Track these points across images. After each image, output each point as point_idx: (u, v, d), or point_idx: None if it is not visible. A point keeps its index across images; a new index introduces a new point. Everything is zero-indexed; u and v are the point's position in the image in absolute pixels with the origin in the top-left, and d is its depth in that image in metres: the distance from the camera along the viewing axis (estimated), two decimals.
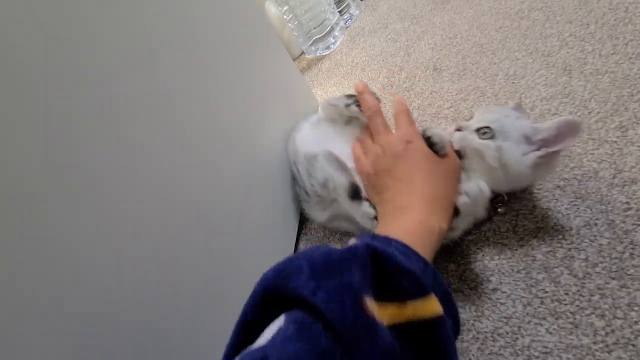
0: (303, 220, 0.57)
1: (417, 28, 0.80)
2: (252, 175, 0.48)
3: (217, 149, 0.42)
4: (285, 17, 0.94)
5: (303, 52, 1.03)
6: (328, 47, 0.96)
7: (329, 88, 0.82)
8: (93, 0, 0.31)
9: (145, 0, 0.37)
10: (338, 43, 0.96)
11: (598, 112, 0.43)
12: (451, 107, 0.58)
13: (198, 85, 0.42)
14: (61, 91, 0.26)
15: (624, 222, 0.34)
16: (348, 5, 1.02)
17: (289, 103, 0.64)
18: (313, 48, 0.98)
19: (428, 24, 0.79)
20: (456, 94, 0.59)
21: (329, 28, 0.94)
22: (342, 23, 0.98)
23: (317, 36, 0.94)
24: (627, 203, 0.35)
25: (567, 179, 0.40)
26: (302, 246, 0.55)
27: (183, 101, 0.38)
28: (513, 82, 0.54)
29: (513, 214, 0.41)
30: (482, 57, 0.62)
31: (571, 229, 0.36)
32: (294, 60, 1.04)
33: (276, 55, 0.63)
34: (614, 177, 0.38)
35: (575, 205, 0.38)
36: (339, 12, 0.99)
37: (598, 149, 0.41)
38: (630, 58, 0.46)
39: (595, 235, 0.35)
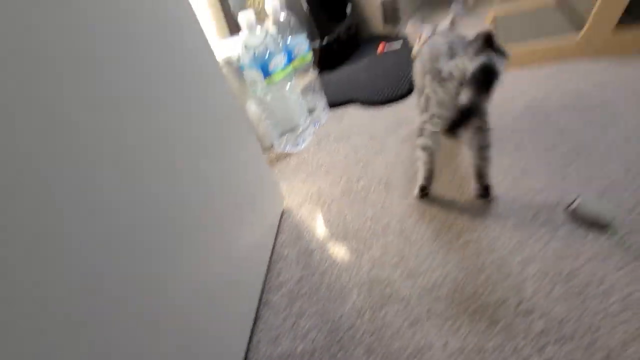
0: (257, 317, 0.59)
1: (374, 145, 0.96)
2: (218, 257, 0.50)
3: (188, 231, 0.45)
4: (263, 115, 1.06)
5: (272, 145, 1.14)
6: (297, 145, 1.08)
7: (296, 184, 0.91)
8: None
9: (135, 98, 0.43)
10: (306, 143, 1.09)
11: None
12: (398, 221, 0.68)
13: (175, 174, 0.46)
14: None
15: None
16: (318, 111, 1.18)
17: (256, 196, 0.70)
18: (284, 144, 1.09)
19: (383, 144, 0.95)
20: (403, 211, 0.70)
21: (300, 129, 1.07)
22: (311, 126, 1.13)
23: (289, 134, 1.07)
24: None
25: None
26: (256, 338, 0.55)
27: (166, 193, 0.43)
28: (446, 209, 0.67)
29: None
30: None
31: None
32: (265, 151, 1.14)
33: (251, 149, 0.70)
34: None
35: None
36: (310, 113, 1.15)
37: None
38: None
39: None
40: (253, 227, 0.65)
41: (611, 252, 0.51)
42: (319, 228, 0.74)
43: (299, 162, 1.01)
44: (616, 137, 0.69)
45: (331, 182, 0.87)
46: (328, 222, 0.75)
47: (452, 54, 0.59)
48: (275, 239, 0.75)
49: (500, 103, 0.92)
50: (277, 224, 0.78)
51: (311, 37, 1.51)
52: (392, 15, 1.71)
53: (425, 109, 0.65)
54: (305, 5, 1.47)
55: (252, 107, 1.07)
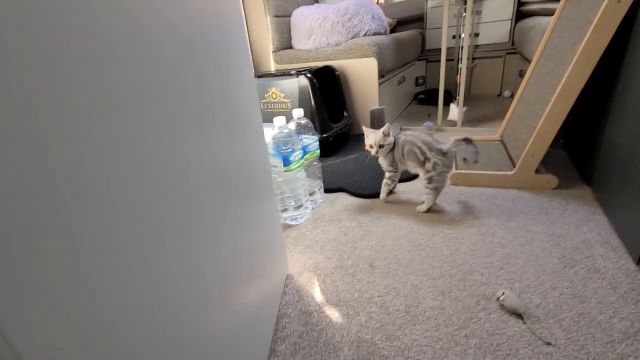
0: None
1: (361, 230, 1.20)
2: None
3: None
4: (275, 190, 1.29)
5: None
6: (296, 219, 1.30)
7: (295, 254, 1.11)
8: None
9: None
10: (304, 219, 1.32)
11: (456, 323, 0.78)
12: (380, 296, 0.89)
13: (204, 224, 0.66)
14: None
15: None
16: (315, 193, 1.44)
17: (271, 256, 0.89)
18: (284, 215, 1.31)
19: (368, 230, 1.20)
20: (383, 288, 0.92)
21: (299, 204, 1.31)
22: (309, 205, 1.37)
23: (290, 207, 1.29)
24: None
25: None
26: None
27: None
28: (415, 291, 0.89)
29: None
30: (398, 267, 0.99)
31: None
32: None
33: (273, 212, 0.91)
34: None
35: None
36: (310, 195, 1.40)
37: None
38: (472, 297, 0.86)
39: None
40: (265, 282, 0.83)
41: (523, 334, 0.74)
42: (317, 294, 0.93)
43: (298, 235, 1.22)
44: (534, 251, 0.99)
45: (325, 257, 1.08)
46: (324, 290, 0.94)
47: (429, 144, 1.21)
48: (281, 298, 0.92)
49: (457, 215, 1.23)
50: (282, 285, 0.96)
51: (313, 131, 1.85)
52: (377, 121, 2.13)
53: (393, 168, 1.30)
54: (314, 105, 1.84)
55: None
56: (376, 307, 0.86)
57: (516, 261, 0.96)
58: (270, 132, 1.22)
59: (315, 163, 1.43)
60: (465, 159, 1.23)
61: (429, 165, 1.20)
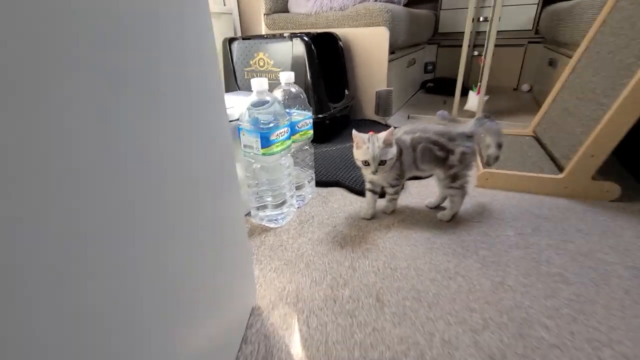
0: None
1: (362, 242, 0.88)
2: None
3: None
4: (246, 181, 0.95)
5: (249, 213, 1.01)
6: (275, 221, 0.97)
7: (270, 272, 0.78)
8: None
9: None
10: (287, 220, 0.98)
11: None
12: (392, 358, 0.57)
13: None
14: None
15: None
16: (304, 187, 1.10)
17: (230, 280, 0.56)
18: (261, 214, 0.97)
19: (372, 244, 0.87)
20: (397, 343, 0.60)
21: (281, 200, 0.97)
22: (295, 202, 1.04)
23: (270, 208, 0.96)
24: None
25: None
26: None
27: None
28: (449, 352, 0.58)
29: None
30: (419, 306, 0.67)
31: None
32: None
33: (236, 223, 0.58)
34: None
35: None
36: (296, 190, 1.06)
37: None
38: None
39: None
40: (215, 324, 0.50)
41: None
42: (295, 347, 0.60)
43: (277, 243, 0.89)
44: (616, 293, 0.68)
45: (312, 280, 0.75)
46: (306, 340, 0.61)
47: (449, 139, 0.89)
48: (239, 350, 0.59)
49: (491, 228, 0.91)
50: (244, 326, 0.63)
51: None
52: (384, 106, 1.79)
53: (399, 180, 0.94)
54: (309, 79, 1.48)
55: (238, 170, 0.96)
56: None
57: (594, 308, 0.65)
58: (245, 102, 0.87)
59: (306, 148, 1.09)
60: (488, 146, 0.92)
61: (453, 159, 0.88)
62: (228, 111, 0.88)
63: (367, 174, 0.89)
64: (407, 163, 0.90)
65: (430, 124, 0.91)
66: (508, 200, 1.05)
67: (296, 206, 1.05)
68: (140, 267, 0.33)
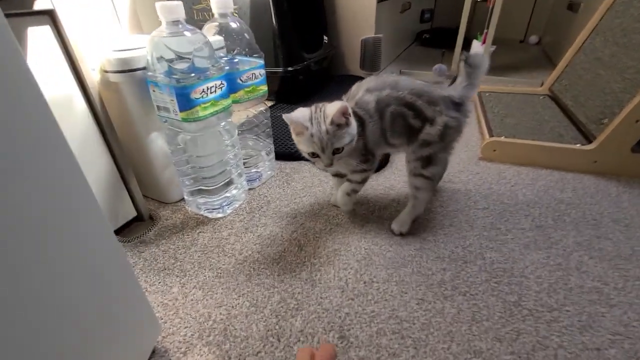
0: None
1: (330, 239, 0.65)
2: None
3: None
4: (172, 157, 0.69)
5: (183, 199, 0.77)
6: (219, 209, 0.73)
7: (192, 290, 0.55)
8: None
9: None
10: (233, 208, 0.75)
11: None
12: None
13: None
14: None
15: None
16: (259, 159, 0.85)
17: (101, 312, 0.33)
18: (199, 200, 0.73)
19: (342, 243, 0.64)
20: None
21: (225, 181, 0.72)
22: (244, 182, 0.79)
23: (206, 188, 0.71)
24: None
25: None
26: None
27: None
28: None
29: None
30: (401, 348, 0.46)
31: None
32: (168, 204, 0.76)
33: (92, 222, 0.35)
34: None
35: None
36: (246, 166, 0.81)
37: None
38: None
39: None
40: None
41: None
42: None
43: (213, 243, 0.65)
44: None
45: (252, 302, 0.53)
46: None
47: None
48: None
49: (499, 217, 0.68)
50: None
51: (275, 61, 1.21)
52: (371, 58, 1.49)
53: (368, 162, 0.63)
54: (274, 22, 1.17)
55: (159, 142, 0.70)
56: None
57: None
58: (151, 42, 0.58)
59: (262, 109, 0.82)
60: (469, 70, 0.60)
61: (431, 132, 0.58)
62: (128, 55, 0.59)
63: (320, 167, 0.60)
64: (373, 137, 0.60)
65: (403, 78, 0.61)
66: (520, 178, 0.82)
67: (247, 187, 0.81)
68: None
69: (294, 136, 0.58)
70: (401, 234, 0.65)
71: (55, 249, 0.30)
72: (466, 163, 0.89)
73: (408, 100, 0.58)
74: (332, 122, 0.53)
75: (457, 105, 0.59)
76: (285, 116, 0.55)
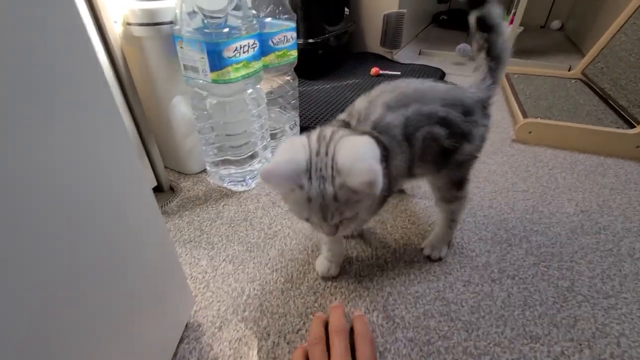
0: None
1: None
2: None
3: None
4: (197, 124, 0.65)
5: (205, 170, 0.73)
6: (242, 182, 0.69)
7: (221, 264, 0.52)
8: None
9: None
10: (257, 182, 0.70)
11: None
12: None
13: None
14: None
15: None
16: (284, 133, 0.80)
17: (141, 287, 0.30)
18: (222, 172, 0.69)
19: (376, 221, 0.61)
20: None
21: (250, 153, 0.68)
22: (270, 154, 0.75)
23: (235, 164, 0.67)
24: None
25: None
26: None
27: None
28: None
29: None
30: (452, 332, 0.43)
31: None
32: (189, 175, 0.72)
33: (144, 198, 0.31)
34: None
35: None
36: (273, 138, 0.77)
37: None
38: None
39: None
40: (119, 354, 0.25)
41: None
42: None
43: (239, 215, 0.62)
44: None
45: (287, 278, 0.50)
46: None
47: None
48: None
49: (541, 201, 0.65)
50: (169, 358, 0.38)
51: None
52: (392, 36, 1.42)
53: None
54: None
55: (181, 108, 0.65)
56: None
57: None
58: None
59: (288, 78, 0.77)
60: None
61: (470, 149, 0.45)
62: (154, 6, 0.54)
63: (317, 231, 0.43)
64: (397, 172, 0.42)
65: (426, 84, 0.45)
66: (558, 162, 0.78)
67: None
68: None
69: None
70: (440, 259, 0.53)
71: (97, 207, 0.26)
72: (499, 145, 0.85)
73: (442, 115, 0.42)
74: (347, 186, 0.33)
75: (485, 108, 0.46)
76: (262, 171, 0.32)
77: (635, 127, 0.78)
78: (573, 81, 1.12)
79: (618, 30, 1.04)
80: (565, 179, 0.72)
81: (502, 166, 0.76)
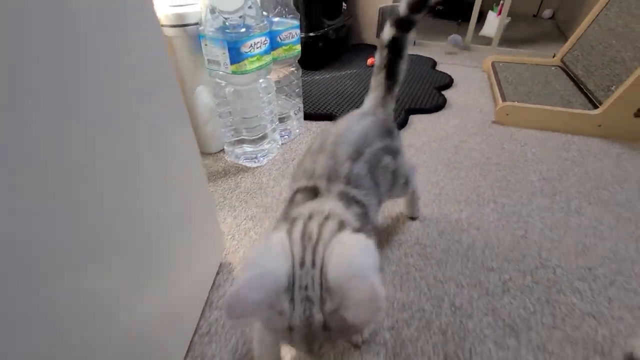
0: None
1: None
2: None
3: None
4: (217, 109, 0.76)
5: (223, 150, 0.84)
6: (255, 159, 0.81)
7: (243, 222, 0.64)
8: None
9: None
10: (267, 159, 0.82)
11: None
12: (392, 328, 0.46)
13: None
14: None
15: None
16: (289, 118, 0.92)
17: (182, 236, 0.42)
18: (237, 151, 0.81)
19: None
20: (399, 310, 0.48)
21: (261, 134, 0.80)
22: (277, 136, 0.86)
23: (248, 143, 0.79)
24: None
25: None
26: None
27: None
28: (461, 321, 0.47)
29: None
30: (425, 264, 0.55)
31: None
32: (209, 154, 0.84)
33: (188, 159, 0.43)
34: None
35: None
36: (280, 122, 0.88)
37: None
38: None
39: None
40: (165, 289, 0.37)
41: None
42: None
43: (255, 186, 0.74)
44: None
45: None
46: None
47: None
48: (200, 316, 0.47)
49: (510, 172, 0.76)
50: (208, 287, 0.50)
51: None
52: None
53: None
54: None
55: (204, 96, 0.76)
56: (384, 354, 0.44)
57: (635, 269, 0.54)
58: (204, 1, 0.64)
59: (293, 69, 0.88)
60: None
61: (401, 159, 0.50)
62: (184, 10, 0.65)
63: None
64: (374, 216, 0.42)
65: (360, 121, 0.46)
66: (530, 140, 0.89)
67: (280, 142, 0.88)
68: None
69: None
70: (417, 217, 0.64)
71: (168, 165, 0.38)
72: (480, 126, 0.96)
73: (383, 146, 0.44)
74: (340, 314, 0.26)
75: (393, 122, 0.51)
76: (228, 300, 0.24)
77: (598, 108, 0.89)
78: (553, 68, 1.22)
79: (592, 21, 1.14)
80: (535, 154, 0.83)
81: (481, 144, 0.87)
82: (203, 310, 0.48)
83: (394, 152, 0.47)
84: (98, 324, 0.27)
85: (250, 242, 0.59)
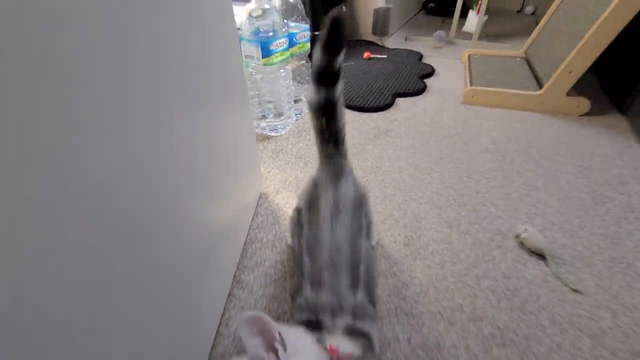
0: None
1: (352, 147, 1.00)
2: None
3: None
4: (250, 91, 1.02)
5: None
6: (276, 129, 1.07)
7: (272, 170, 0.91)
8: None
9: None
10: (286, 130, 1.09)
11: (465, 261, 0.64)
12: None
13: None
14: None
15: None
16: (301, 100, 1.18)
17: (239, 169, 0.69)
18: (262, 124, 1.07)
19: (362, 149, 0.99)
20: (378, 216, 0.75)
21: (283, 116, 1.06)
22: (293, 114, 1.13)
23: (270, 118, 1.05)
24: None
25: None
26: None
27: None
28: (417, 221, 0.73)
29: None
30: (397, 192, 0.82)
31: None
32: None
33: (245, 119, 0.68)
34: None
35: None
36: (295, 103, 1.14)
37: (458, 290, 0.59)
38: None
39: None
40: (233, 201, 0.64)
41: (545, 278, 0.61)
42: None
43: (277, 148, 1.00)
44: (559, 183, 0.83)
45: (309, 174, 0.88)
46: None
47: None
48: (252, 220, 0.74)
49: (469, 137, 1.02)
50: (255, 205, 0.77)
51: None
52: (381, 26, 1.77)
53: None
54: None
55: None
56: None
57: (538, 194, 0.80)
58: (244, 11, 0.90)
59: (303, 62, 1.14)
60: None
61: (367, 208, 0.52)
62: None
63: None
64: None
65: (326, 178, 0.49)
66: (490, 115, 1.15)
67: (294, 118, 1.14)
68: (164, 157, 0.43)
69: None
70: None
71: (232, 130, 0.64)
72: (452, 106, 1.22)
73: (364, 224, 0.47)
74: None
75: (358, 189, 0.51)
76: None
77: (540, 89, 1.14)
78: (518, 59, 1.47)
79: (547, 20, 1.39)
80: (490, 125, 1.09)
81: (450, 120, 1.13)
82: (252, 218, 0.75)
83: (368, 222, 0.48)
84: (185, 228, 0.43)
85: (278, 183, 0.86)
